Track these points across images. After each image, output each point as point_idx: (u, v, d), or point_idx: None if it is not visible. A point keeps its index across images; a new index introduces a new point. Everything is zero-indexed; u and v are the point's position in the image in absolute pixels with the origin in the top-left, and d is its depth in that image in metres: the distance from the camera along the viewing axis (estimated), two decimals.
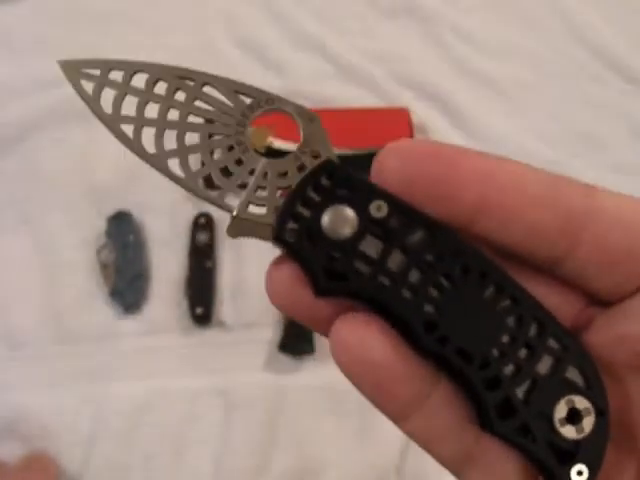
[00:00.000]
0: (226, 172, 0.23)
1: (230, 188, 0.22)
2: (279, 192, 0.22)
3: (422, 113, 0.85)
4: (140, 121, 0.23)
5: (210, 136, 0.23)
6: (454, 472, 0.22)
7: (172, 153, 0.23)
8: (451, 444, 0.22)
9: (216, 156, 0.23)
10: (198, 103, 0.23)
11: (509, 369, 0.21)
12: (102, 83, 0.23)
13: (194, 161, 0.23)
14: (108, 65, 0.24)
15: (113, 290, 0.77)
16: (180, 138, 0.23)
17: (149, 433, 0.72)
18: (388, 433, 0.70)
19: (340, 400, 0.72)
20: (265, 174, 0.22)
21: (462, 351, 0.20)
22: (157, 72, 0.23)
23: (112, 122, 0.23)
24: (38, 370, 0.75)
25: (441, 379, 0.22)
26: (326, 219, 0.21)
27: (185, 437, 0.72)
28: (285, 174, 0.22)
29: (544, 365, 0.21)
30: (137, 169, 0.80)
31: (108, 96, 0.23)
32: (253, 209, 0.22)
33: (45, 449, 0.71)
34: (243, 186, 0.22)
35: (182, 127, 0.23)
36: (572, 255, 0.21)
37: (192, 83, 0.23)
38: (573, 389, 0.21)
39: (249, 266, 0.77)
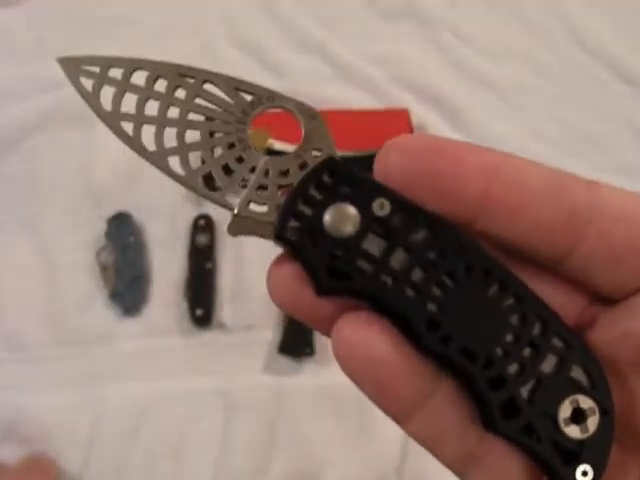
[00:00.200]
0: (227, 170, 0.22)
1: (231, 186, 0.22)
2: (280, 190, 0.22)
3: (422, 115, 0.85)
4: (140, 118, 0.23)
5: (211, 134, 0.23)
6: (457, 473, 0.22)
7: (172, 151, 0.23)
8: (454, 444, 0.21)
9: (217, 154, 0.23)
10: (198, 100, 0.23)
11: (513, 368, 0.20)
12: (102, 80, 0.23)
13: (194, 159, 0.23)
14: (108, 62, 0.23)
15: (113, 292, 0.77)
16: (180, 136, 0.23)
17: (149, 434, 0.72)
18: (388, 434, 0.70)
19: (340, 401, 0.72)
20: (266, 172, 0.22)
21: (465, 350, 0.20)
22: (157, 69, 0.23)
23: (112, 119, 0.23)
24: (38, 372, 0.75)
25: (444, 378, 0.21)
26: (328, 217, 0.21)
27: (185, 438, 0.72)
28: (286, 172, 0.22)
29: (548, 364, 0.21)
30: (137, 171, 0.80)
31: (108, 93, 0.23)
32: (254, 207, 0.22)
33: (45, 451, 0.71)
34: (244, 184, 0.22)
35: (182, 125, 0.23)
36: (576, 251, 0.20)
37: (192, 80, 0.23)
38: (577, 388, 0.21)
39: (249, 268, 0.77)
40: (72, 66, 0.23)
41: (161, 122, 0.23)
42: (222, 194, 0.22)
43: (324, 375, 0.73)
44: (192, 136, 0.23)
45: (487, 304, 0.21)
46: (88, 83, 0.23)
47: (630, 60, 0.88)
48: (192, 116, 0.23)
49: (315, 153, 0.22)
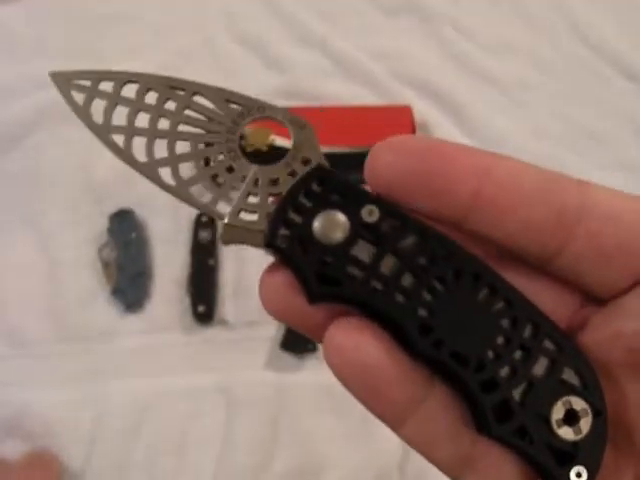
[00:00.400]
0: (217, 180, 0.23)
1: (221, 196, 0.22)
2: (270, 199, 0.22)
3: (424, 111, 0.85)
4: (131, 130, 0.23)
5: (201, 144, 0.23)
6: (452, 477, 0.22)
7: (163, 162, 0.23)
8: (448, 448, 0.21)
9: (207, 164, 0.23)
10: (188, 112, 0.23)
11: (505, 371, 0.20)
12: (92, 94, 0.23)
13: (185, 170, 0.23)
14: (98, 76, 0.24)
15: (115, 288, 0.77)
16: (171, 147, 0.23)
17: (151, 431, 0.72)
18: (390, 431, 0.70)
19: (342, 398, 0.72)
20: (256, 181, 0.22)
21: (457, 354, 0.20)
22: (147, 82, 0.23)
23: (103, 132, 0.23)
24: (40, 368, 0.75)
25: (436, 383, 0.21)
26: (317, 224, 0.21)
27: (187, 435, 0.72)
28: (276, 181, 0.22)
29: (540, 367, 0.21)
30: None
31: (99, 107, 0.23)
32: (245, 216, 0.22)
33: (47, 446, 0.71)
34: (234, 193, 0.22)
35: (173, 136, 0.23)
36: (565, 250, 0.20)
37: (182, 92, 0.23)
38: (570, 390, 0.21)
39: (251, 264, 0.77)
40: (63, 80, 0.24)
41: (152, 134, 0.23)
42: (213, 203, 0.22)
43: (326, 371, 0.72)
44: (182, 147, 0.23)
45: (477, 308, 0.21)
46: (79, 97, 0.23)
47: (633, 56, 0.88)
48: (182, 127, 0.23)
49: (304, 162, 0.22)
